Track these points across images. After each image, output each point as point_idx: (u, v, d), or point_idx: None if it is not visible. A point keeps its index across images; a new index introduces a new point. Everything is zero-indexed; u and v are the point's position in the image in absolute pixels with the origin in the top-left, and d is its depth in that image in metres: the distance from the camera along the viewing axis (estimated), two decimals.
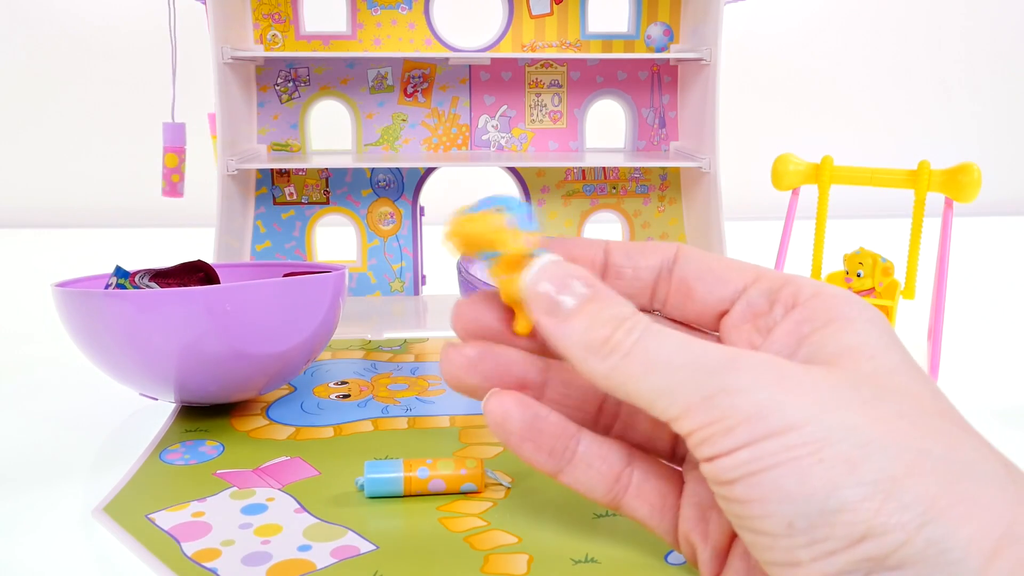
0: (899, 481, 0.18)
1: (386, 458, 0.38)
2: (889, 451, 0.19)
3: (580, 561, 0.30)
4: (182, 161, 0.59)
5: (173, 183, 0.59)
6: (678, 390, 0.20)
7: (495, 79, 0.64)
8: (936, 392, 0.21)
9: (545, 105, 0.64)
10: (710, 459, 0.20)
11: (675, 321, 0.26)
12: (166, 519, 0.32)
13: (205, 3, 0.54)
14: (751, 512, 0.19)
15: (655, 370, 0.21)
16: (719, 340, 0.25)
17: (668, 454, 0.27)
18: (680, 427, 0.21)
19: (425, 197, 0.65)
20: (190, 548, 0.30)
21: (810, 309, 0.22)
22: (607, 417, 0.26)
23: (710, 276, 0.25)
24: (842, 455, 0.18)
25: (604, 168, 0.65)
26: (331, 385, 0.48)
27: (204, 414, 0.43)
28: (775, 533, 0.19)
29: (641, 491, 0.25)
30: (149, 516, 0.33)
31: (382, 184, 0.64)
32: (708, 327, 0.25)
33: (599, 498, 0.25)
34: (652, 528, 0.25)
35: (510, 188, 0.66)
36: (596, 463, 0.25)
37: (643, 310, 0.26)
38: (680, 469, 0.26)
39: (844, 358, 0.21)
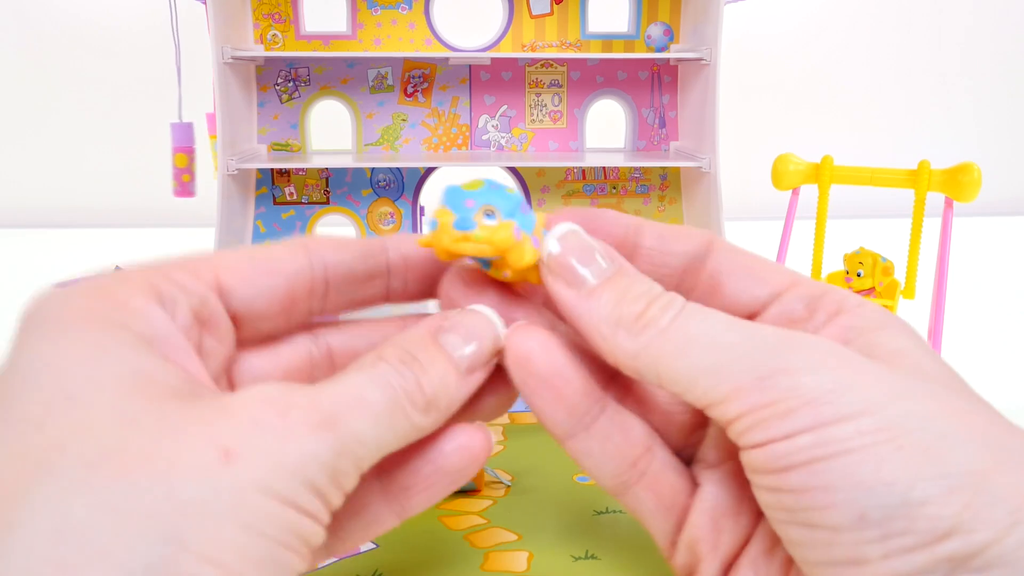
0: (988, 476, 0.17)
1: None
2: (972, 444, 0.17)
3: (580, 558, 0.30)
4: (192, 160, 0.59)
5: (184, 183, 0.59)
6: (726, 369, 0.19)
7: (495, 79, 0.64)
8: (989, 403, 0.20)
9: (545, 105, 0.64)
10: (761, 444, 0.18)
11: None
12: None
13: (205, 3, 0.54)
14: (811, 503, 0.18)
15: (696, 348, 0.19)
16: None
17: (677, 449, 0.25)
18: (725, 411, 0.19)
19: (425, 197, 0.65)
20: None
21: (858, 316, 0.21)
22: (618, 393, 0.24)
23: (745, 273, 0.23)
24: (922, 444, 0.17)
25: (604, 168, 0.65)
26: None
27: None
28: (840, 526, 0.17)
29: (655, 482, 0.23)
30: None
31: (382, 184, 0.64)
32: None
33: (606, 479, 0.23)
34: (649, 525, 0.24)
35: (510, 188, 0.66)
36: (616, 437, 0.22)
37: None
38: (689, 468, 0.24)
39: (898, 356, 0.20)
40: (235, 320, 0.22)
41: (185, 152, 0.59)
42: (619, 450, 0.23)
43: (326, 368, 0.24)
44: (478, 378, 0.22)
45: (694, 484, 0.24)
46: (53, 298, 0.19)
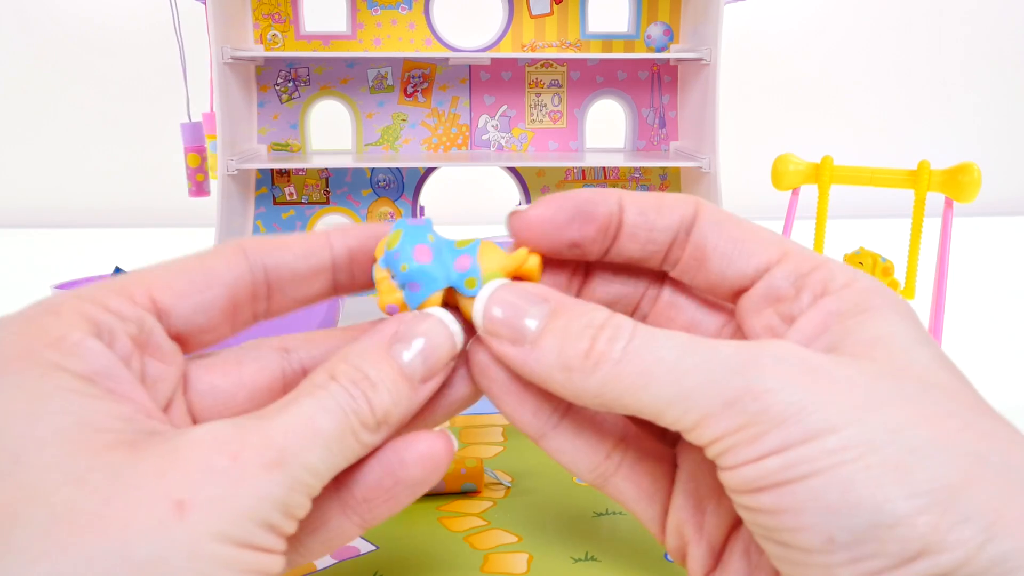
0: (958, 491, 0.16)
1: None
2: (943, 456, 0.16)
3: (580, 560, 0.30)
4: (204, 160, 0.59)
5: (199, 183, 0.59)
6: (691, 397, 0.18)
7: (495, 79, 0.64)
8: (973, 388, 0.19)
9: (545, 105, 0.64)
10: (733, 467, 0.18)
11: (684, 292, 0.24)
12: None
13: (205, 3, 0.54)
14: (781, 524, 0.17)
15: (656, 378, 0.18)
16: (733, 314, 0.23)
17: (660, 432, 0.24)
18: (696, 437, 0.18)
19: (425, 197, 0.65)
20: None
21: (841, 299, 0.20)
22: None
23: (731, 247, 0.22)
24: (890, 461, 0.16)
25: (604, 168, 0.65)
26: None
27: None
28: (810, 548, 0.17)
29: (633, 472, 0.23)
30: None
31: (382, 184, 0.64)
32: (722, 299, 0.23)
33: (583, 473, 0.23)
34: (636, 514, 0.23)
35: (510, 188, 0.66)
36: (586, 432, 0.22)
37: (653, 273, 0.24)
38: (672, 449, 0.24)
39: (877, 349, 0.19)
40: (178, 338, 0.21)
41: (197, 152, 0.59)
42: (588, 445, 0.22)
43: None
44: (434, 384, 0.21)
45: (675, 467, 0.23)
46: None
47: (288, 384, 0.23)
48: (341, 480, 0.21)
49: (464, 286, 0.22)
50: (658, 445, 0.23)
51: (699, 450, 0.22)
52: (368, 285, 0.24)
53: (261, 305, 0.22)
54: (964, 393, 0.18)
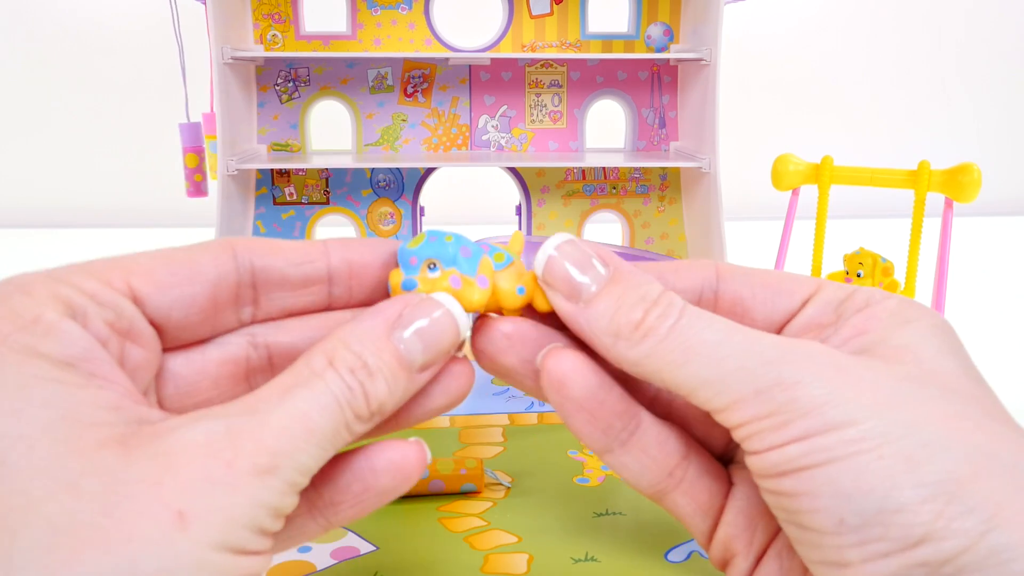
0: (963, 484, 0.17)
1: None
2: (953, 452, 0.18)
3: (580, 560, 0.30)
4: (203, 160, 0.59)
5: (197, 183, 0.59)
6: (726, 381, 0.19)
7: (495, 79, 0.64)
8: (997, 399, 0.20)
9: (545, 105, 0.64)
10: (758, 452, 0.19)
11: None
12: None
13: (205, 3, 0.54)
14: (799, 506, 0.19)
15: (697, 358, 0.19)
16: None
17: (720, 451, 0.25)
18: (727, 418, 0.19)
19: (425, 197, 0.65)
20: None
21: (877, 310, 0.21)
22: (661, 406, 0.24)
23: (766, 291, 0.23)
24: (903, 453, 0.18)
25: (604, 168, 0.65)
26: None
27: None
28: (823, 530, 0.18)
29: (692, 488, 0.23)
30: None
31: (382, 184, 0.64)
32: None
33: (645, 487, 0.23)
34: (689, 526, 0.24)
35: (510, 188, 0.66)
36: (653, 449, 0.23)
37: None
38: (727, 468, 0.24)
39: (905, 354, 0.20)
40: (154, 327, 0.20)
41: (195, 152, 0.59)
42: (655, 462, 0.23)
43: (265, 372, 0.22)
44: (430, 374, 0.21)
45: (729, 484, 0.24)
46: None
47: (252, 371, 0.22)
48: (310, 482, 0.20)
49: (495, 259, 0.22)
50: (715, 464, 0.24)
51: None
52: (366, 303, 0.23)
53: (246, 310, 0.22)
54: (984, 400, 0.20)
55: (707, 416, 0.23)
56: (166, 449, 0.17)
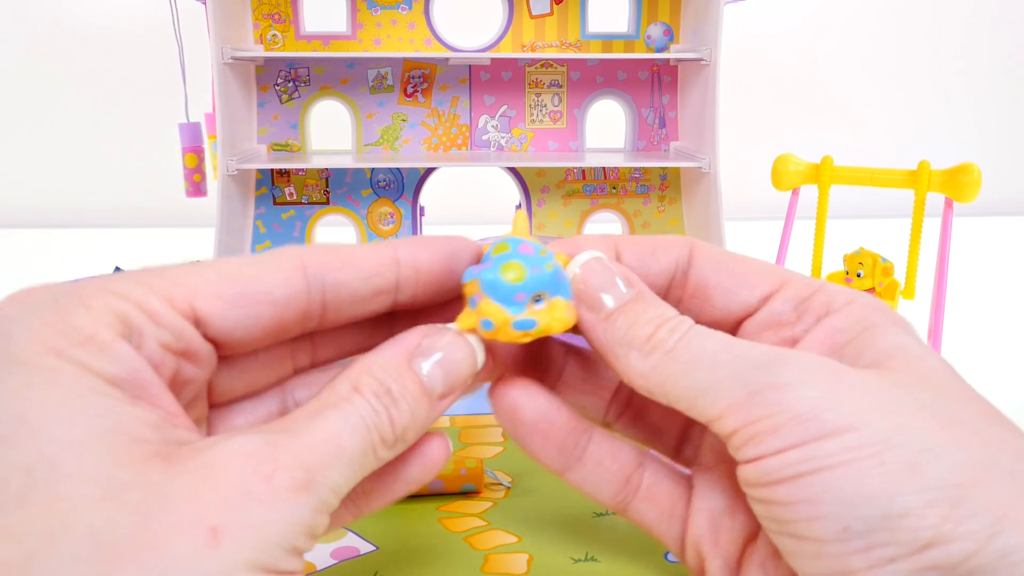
0: (967, 488, 0.17)
1: None
2: (954, 458, 0.18)
3: (580, 560, 0.30)
4: (202, 160, 0.59)
5: (196, 183, 0.59)
6: (721, 386, 0.19)
7: (495, 79, 0.64)
8: (983, 398, 0.20)
9: (545, 105, 0.64)
10: (754, 460, 0.19)
11: None
12: None
13: (205, 3, 0.54)
14: (797, 515, 0.18)
15: (697, 367, 0.20)
16: None
17: (672, 451, 0.26)
18: (722, 427, 0.20)
19: (425, 197, 0.65)
20: None
21: (846, 317, 0.21)
22: (619, 404, 0.25)
23: (731, 280, 0.23)
24: (904, 459, 0.18)
25: (604, 168, 0.65)
26: None
27: None
28: (825, 538, 0.18)
29: (651, 494, 0.24)
30: None
31: (382, 184, 0.64)
32: (726, 331, 0.23)
33: (606, 500, 0.24)
34: (657, 534, 0.24)
35: (510, 188, 0.66)
36: (607, 461, 0.24)
37: None
38: (688, 472, 0.25)
39: (892, 360, 0.20)
40: (212, 342, 0.20)
41: (195, 152, 0.59)
42: (611, 473, 0.24)
43: None
44: (451, 401, 0.22)
45: (691, 487, 0.24)
46: (9, 320, 0.17)
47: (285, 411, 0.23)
48: None
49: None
50: (674, 470, 0.25)
51: (712, 469, 0.24)
52: (428, 304, 0.23)
53: (311, 324, 0.21)
54: (975, 401, 0.20)
55: (662, 414, 0.25)
56: (206, 462, 0.17)
